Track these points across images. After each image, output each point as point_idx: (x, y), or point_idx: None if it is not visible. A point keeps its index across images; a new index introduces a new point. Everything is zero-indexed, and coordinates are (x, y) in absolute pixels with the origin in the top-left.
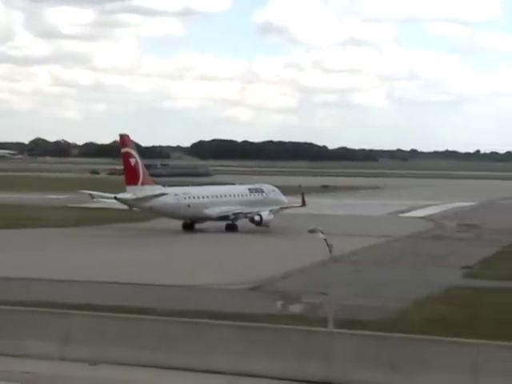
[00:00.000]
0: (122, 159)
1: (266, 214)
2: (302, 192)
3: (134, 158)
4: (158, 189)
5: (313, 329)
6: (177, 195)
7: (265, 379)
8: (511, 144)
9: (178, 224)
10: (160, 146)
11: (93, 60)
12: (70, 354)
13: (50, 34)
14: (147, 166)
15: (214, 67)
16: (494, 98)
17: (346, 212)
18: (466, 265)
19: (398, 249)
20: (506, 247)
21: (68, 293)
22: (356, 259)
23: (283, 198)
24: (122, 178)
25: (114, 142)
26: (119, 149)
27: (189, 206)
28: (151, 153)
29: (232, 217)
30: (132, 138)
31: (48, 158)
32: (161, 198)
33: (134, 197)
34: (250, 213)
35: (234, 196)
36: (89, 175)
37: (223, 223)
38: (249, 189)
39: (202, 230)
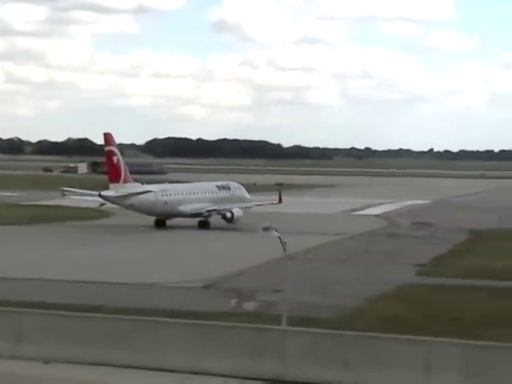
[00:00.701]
0: (105, 157)
1: (236, 211)
2: (278, 190)
3: (117, 155)
4: (137, 186)
5: (266, 326)
6: (155, 192)
7: (218, 377)
8: (464, 142)
9: (136, 221)
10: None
11: (46, 57)
12: (22, 352)
13: (2, 30)
14: (100, 164)
15: (167, 65)
16: (446, 97)
17: (301, 210)
18: (420, 263)
19: (351, 247)
20: (458, 245)
21: (21, 291)
22: (310, 257)
23: (247, 196)
24: (75, 175)
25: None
26: (73, 146)
27: (166, 203)
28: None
29: (206, 214)
30: (85, 135)
31: (0, 156)
32: (141, 196)
33: (117, 194)
34: (222, 210)
35: (204, 193)
36: (42, 173)
37: (195, 220)
38: (217, 186)
39: (171, 227)
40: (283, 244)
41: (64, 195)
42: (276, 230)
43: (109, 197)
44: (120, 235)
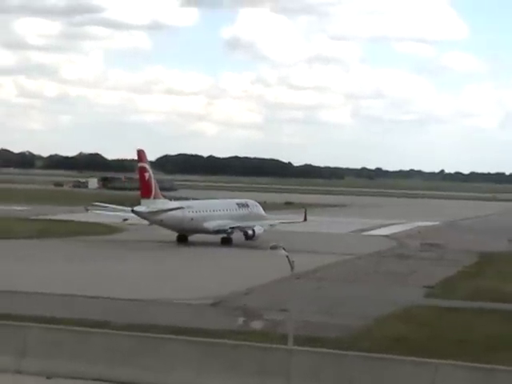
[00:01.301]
0: (138, 173)
1: (257, 229)
2: (304, 208)
3: (148, 172)
4: (167, 202)
5: (273, 346)
6: (183, 209)
7: None
8: (475, 164)
9: (148, 237)
10: (125, 159)
11: (59, 71)
12: (26, 367)
13: (16, 44)
14: (110, 179)
15: (180, 81)
16: (458, 119)
17: (310, 229)
18: (428, 284)
19: (360, 267)
20: (467, 267)
21: (28, 306)
22: (318, 276)
23: (263, 213)
24: (86, 190)
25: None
26: (84, 161)
27: (192, 219)
28: (116, 166)
29: (229, 230)
30: (96, 150)
31: (12, 170)
32: (170, 212)
33: (148, 210)
34: (245, 227)
35: (226, 210)
36: (52, 187)
37: (217, 236)
38: (237, 203)
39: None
40: (291, 263)
41: (87, 210)
42: (284, 249)
43: (141, 212)
44: (136, 251)
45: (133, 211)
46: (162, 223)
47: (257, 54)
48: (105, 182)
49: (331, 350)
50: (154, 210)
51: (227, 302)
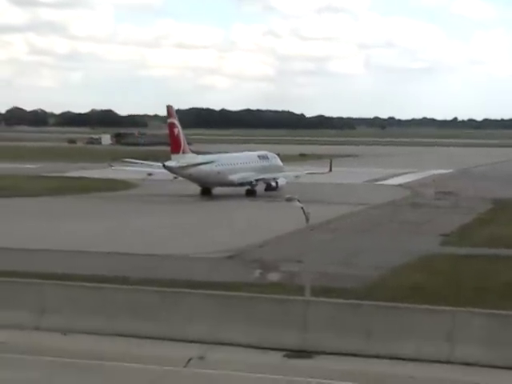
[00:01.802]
0: (167, 129)
1: (281, 180)
2: (330, 159)
3: (177, 127)
4: (195, 157)
5: (289, 297)
6: (211, 163)
7: (241, 347)
8: (488, 111)
9: (165, 191)
10: (138, 115)
11: (69, 28)
12: (46, 323)
13: (25, 1)
14: (124, 135)
15: (190, 35)
16: (470, 66)
17: (324, 180)
18: (444, 232)
19: (375, 217)
20: (482, 214)
21: (45, 263)
22: (333, 227)
23: (281, 164)
24: (99, 147)
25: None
26: (96, 118)
27: (218, 173)
28: (129, 121)
29: (254, 183)
30: (109, 107)
31: (25, 128)
32: (199, 167)
33: (178, 165)
34: (268, 178)
35: (248, 163)
36: (66, 144)
37: (242, 188)
38: (258, 156)
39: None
40: (306, 214)
41: (111, 166)
42: (298, 201)
43: (172, 167)
44: (154, 204)
45: (164, 166)
46: (190, 177)
47: (266, 5)
48: (118, 138)
49: (347, 301)
50: (184, 164)
51: (243, 254)
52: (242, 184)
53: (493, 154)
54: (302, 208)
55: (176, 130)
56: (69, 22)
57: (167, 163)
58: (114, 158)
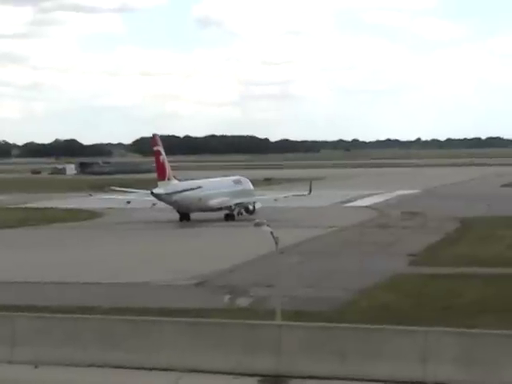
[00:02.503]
0: (154, 157)
1: (258, 205)
2: (310, 180)
3: (162, 155)
4: (179, 184)
5: (261, 322)
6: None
7: (213, 374)
8: (451, 131)
9: (130, 219)
10: (102, 144)
11: (30, 59)
12: (18, 357)
13: None
14: (88, 165)
15: (152, 62)
16: (433, 86)
17: (290, 204)
18: (411, 252)
19: (343, 238)
20: (449, 234)
21: (13, 295)
22: (302, 250)
23: (253, 188)
24: (63, 176)
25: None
26: (60, 148)
27: (200, 199)
28: (93, 150)
29: (233, 207)
30: (72, 136)
31: None
32: (184, 193)
33: (165, 192)
34: (246, 203)
35: (224, 188)
36: (30, 175)
37: (220, 213)
38: (232, 181)
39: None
40: (275, 238)
41: (90, 195)
42: (268, 225)
43: (159, 194)
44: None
45: (152, 193)
46: (175, 203)
47: (228, 30)
48: (82, 168)
49: (320, 324)
50: (170, 191)
51: (212, 280)
52: (220, 209)
53: (457, 173)
54: (271, 232)
55: (161, 158)
56: (30, 53)
57: (155, 190)
58: (78, 187)
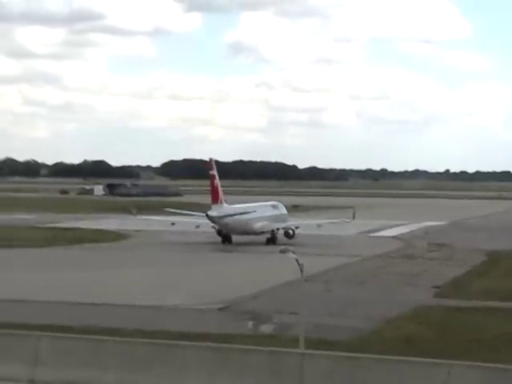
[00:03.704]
0: (209, 181)
1: (296, 229)
2: (353, 208)
3: (216, 179)
4: (229, 207)
5: (283, 350)
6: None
7: None
8: (480, 163)
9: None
10: (130, 166)
11: (63, 79)
12: (40, 376)
13: (20, 53)
14: (116, 186)
15: (184, 86)
16: (462, 118)
17: (318, 231)
18: (437, 284)
19: (368, 268)
20: (475, 266)
21: (39, 314)
22: (327, 279)
23: (287, 213)
24: (91, 197)
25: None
26: (89, 168)
27: (247, 222)
28: (121, 172)
29: (275, 231)
30: (101, 157)
31: (17, 178)
32: (235, 216)
33: (218, 214)
34: (287, 227)
35: (265, 212)
36: (58, 195)
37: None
38: (271, 205)
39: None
40: (300, 266)
41: (135, 215)
42: (293, 252)
43: (212, 216)
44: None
45: (207, 216)
46: (226, 226)
47: (260, 57)
48: (110, 189)
49: (344, 353)
50: (222, 214)
51: (237, 305)
52: (262, 232)
53: (485, 205)
54: (297, 259)
55: (216, 182)
56: (62, 74)
57: (209, 212)
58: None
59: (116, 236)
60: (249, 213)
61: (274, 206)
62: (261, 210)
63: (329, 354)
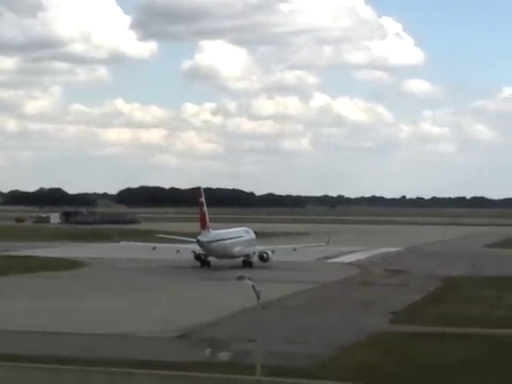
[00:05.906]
0: (199, 208)
1: (270, 253)
2: (328, 235)
3: (204, 206)
4: (216, 233)
5: (240, 377)
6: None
7: None
8: (436, 189)
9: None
10: (87, 194)
11: (19, 107)
12: None
13: None
14: (73, 214)
15: (140, 114)
16: (418, 144)
17: (275, 258)
18: (393, 310)
19: (325, 295)
20: (431, 292)
21: None
22: (284, 305)
23: (255, 238)
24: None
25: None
26: (45, 196)
27: (228, 247)
28: (78, 200)
29: (251, 255)
30: (58, 185)
31: None
32: (219, 242)
33: (207, 240)
34: (262, 251)
35: (239, 237)
36: (14, 223)
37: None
38: (244, 230)
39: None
40: (257, 293)
41: (118, 241)
42: (249, 279)
43: (202, 242)
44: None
45: (197, 241)
46: (212, 251)
47: (216, 84)
48: (67, 217)
49: (300, 380)
50: (209, 239)
51: (195, 333)
52: (239, 256)
53: (441, 232)
54: (253, 286)
55: (204, 209)
56: (19, 101)
57: (199, 238)
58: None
59: (72, 264)
60: (231, 238)
61: (246, 231)
62: (238, 235)
63: (285, 380)
